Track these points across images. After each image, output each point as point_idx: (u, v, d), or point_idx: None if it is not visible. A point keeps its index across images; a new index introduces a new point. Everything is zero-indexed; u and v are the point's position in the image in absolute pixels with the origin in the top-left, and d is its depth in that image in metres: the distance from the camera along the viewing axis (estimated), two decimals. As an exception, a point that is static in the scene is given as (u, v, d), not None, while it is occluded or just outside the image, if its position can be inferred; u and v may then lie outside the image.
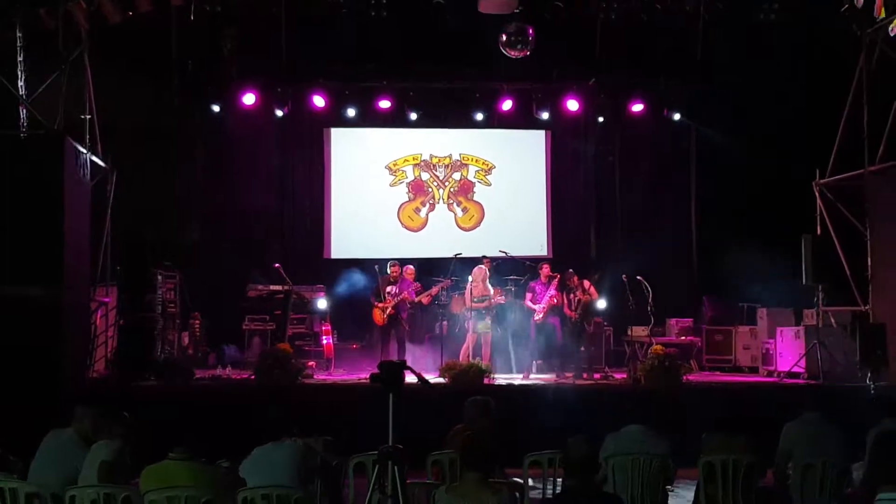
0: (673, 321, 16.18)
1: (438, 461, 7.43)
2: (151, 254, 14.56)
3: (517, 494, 6.04)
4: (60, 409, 10.87)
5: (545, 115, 17.03)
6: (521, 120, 17.45)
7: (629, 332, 15.42)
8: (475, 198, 18.05)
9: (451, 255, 15.49)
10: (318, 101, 16.61)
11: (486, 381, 12.80)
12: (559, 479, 7.45)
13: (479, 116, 17.21)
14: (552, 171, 18.17)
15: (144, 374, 12.96)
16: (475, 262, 14.87)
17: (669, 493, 7.83)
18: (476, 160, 18.09)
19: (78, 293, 12.61)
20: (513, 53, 14.57)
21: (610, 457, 7.27)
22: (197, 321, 15.80)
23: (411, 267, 14.96)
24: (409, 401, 5.98)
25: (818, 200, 15.00)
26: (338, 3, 15.02)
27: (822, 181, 14.96)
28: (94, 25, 13.24)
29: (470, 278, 14.41)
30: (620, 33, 15.79)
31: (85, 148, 13.06)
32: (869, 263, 14.22)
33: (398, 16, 15.37)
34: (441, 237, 17.60)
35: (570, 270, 14.64)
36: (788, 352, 14.39)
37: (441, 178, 18.00)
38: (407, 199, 17.92)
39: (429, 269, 15.61)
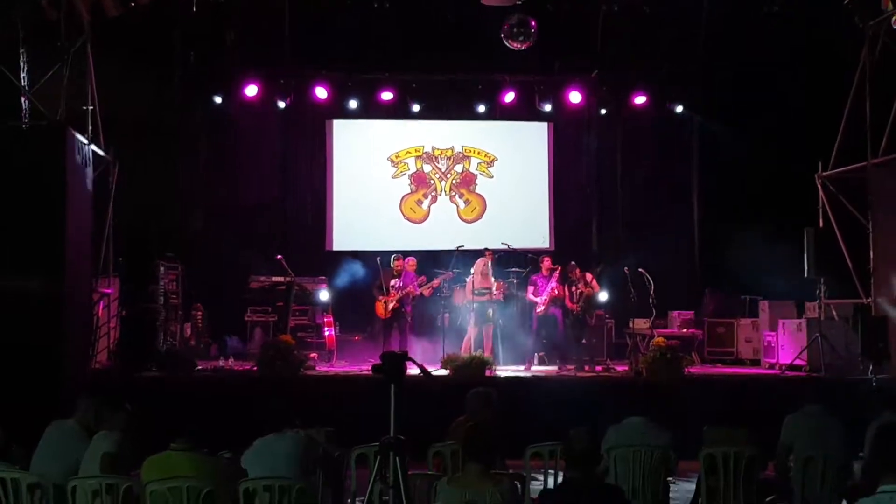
0: (675, 313, 16.16)
1: (440, 453, 7.44)
2: (154, 245, 14.57)
3: (518, 486, 6.04)
4: (62, 400, 10.91)
5: (547, 107, 17.03)
6: (524, 112, 17.44)
7: (631, 325, 15.43)
8: (477, 190, 18.04)
9: (453, 247, 15.48)
10: (321, 92, 16.60)
11: (487, 372, 12.82)
12: (560, 471, 7.46)
13: (482, 108, 17.19)
14: (554, 163, 18.15)
15: (146, 365, 12.99)
16: (477, 254, 14.89)
17: (671, 484, 7.84)
18: (478, 152, 18.08)
19: (80, 284, 12.61)
20: (515, 45, 14.55)
21: (611, 448, 7.28)
22: (199, 312, 15.81)
23: (413, 259, 14.97)
24: (410, 393, 5.97)
25: (820, 193, 15.00)
26: (340, -6, 15.05)
27: (824, 174, 14.95)
28: (95, 17, 13.23)
29: (472, 270, 14.42)
30: (623, 25, 15.80)
31: (87, 139, 13.05)
32: (871, 256, 14.21)
33: (400, 7, 15.39)
34: (443, 229, 17.59)
35: (572, 263, 14.64)
36: (790, 344, 14.38)
37: (443, 170, 17.99)
38: (409, 191, 17.91)
39: (431, 261, 15.59)
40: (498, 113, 17.46)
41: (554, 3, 15.28)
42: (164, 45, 15.34)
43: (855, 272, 14.33)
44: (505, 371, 13.67)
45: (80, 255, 12.58)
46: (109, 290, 14.13)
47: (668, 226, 17.61)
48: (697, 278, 17.60)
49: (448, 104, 17.44)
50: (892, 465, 4.32)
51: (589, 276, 14.44)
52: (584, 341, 14.64)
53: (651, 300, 14.37)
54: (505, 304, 14.94)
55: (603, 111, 17.54)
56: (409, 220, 17.85)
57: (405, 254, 15.01)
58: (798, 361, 13.82)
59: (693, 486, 7.86)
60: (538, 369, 14.52)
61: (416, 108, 17.01)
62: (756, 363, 15.47)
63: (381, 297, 14.45)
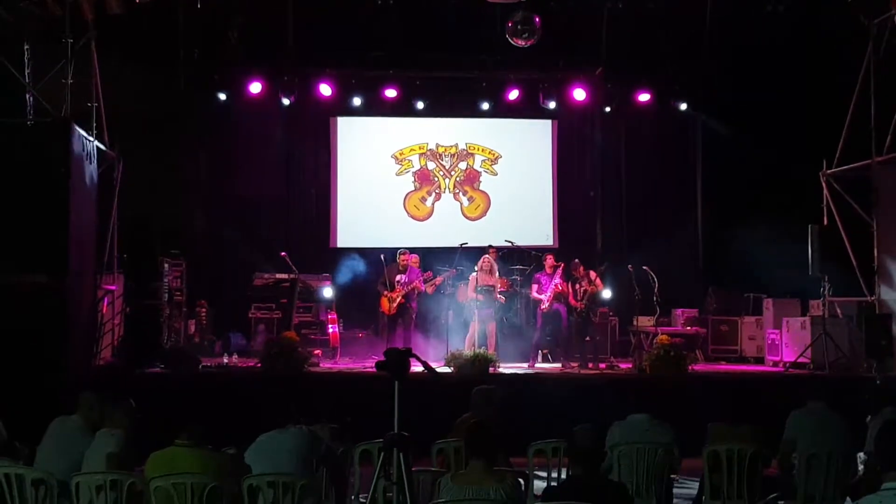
0: (678, 311, 16.16)
1: (443, 449, 7.45)
2: (158, 242, 14.57)
3: (521, 483, 6.04)
4: (66, 397, 10.93)
5: (552, 105, 17.01)
6: (528, 109, 17.43)
7: (635, 322, 15.39)
8: (481, 187, 18.04)
9: (456, 244, 15.48)
10: (325, 89, 16.60)
11: (491, 370, 12.82)
12: (564, 468, 7.47)
13: (486, 106, 17.18)
14: (558, 160, 18.15)
15: (150, 361, 13.00)
16: (481, 251, 14.87)
17: (674, 481, 7.85)
18: (482, 149, 18.08)
19: (84, 281, 12.63)
20: (519, 42, 14.53)
21: (615, 445, 7.30)
22: (203, 309, 15.83)
23: (416, 256, 14.97)
24: (414, 389, 5.99)
25: (825, 191, 14.98)
26: (344, -9, 15.06)
27: (828, 172, 14.94)
28: (100, 14, 13.23)
29: (476, 267, 14.41)
30: (627, 23, 15.77)
31: (91, 136, 13.06)
32: (875, 254, 14.20)
33: (404, 4, 15.40)
34: (447, 227, 17.59)
35: (576, 260, 14.63)
36: (794, 342, 14.36)
37: (447, 167, 17.99)
38: (413, 189, 17.91)
39: (434, 258, 15.58)
40: (502, 110, 17.43)
41: (558, 1, 15.28)
42: (169, 42, 15.31)
43: (859, 270, 14.32)
44: (508, 368, 13.66)
45: (84, 252, 12.59)
46: (113, 287, 14.13)
47: (671, 223, 17.61)
48: (701, 276, 17.58)
49: (452, 101, 17.44)
50: (895, 462, 4.32)
51: (593, 274, 14.43)
52: (587, 339, 14.63)
53: (655, 298, 14.35)
54: (508, 301, 14.93)
55: (607, 109, 17.50)
56: (412, 217, 17.85)
57: (409, 251, 15.01)
58: (802, 359, 13.81)
59: (697, 484, 7.87)
60: (542, 367, 14.53)
61: (420, 105, 17.01)
62: (760, 361, 15.46)
63: (385, 293, 14.46)
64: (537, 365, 14.53)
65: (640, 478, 7.22)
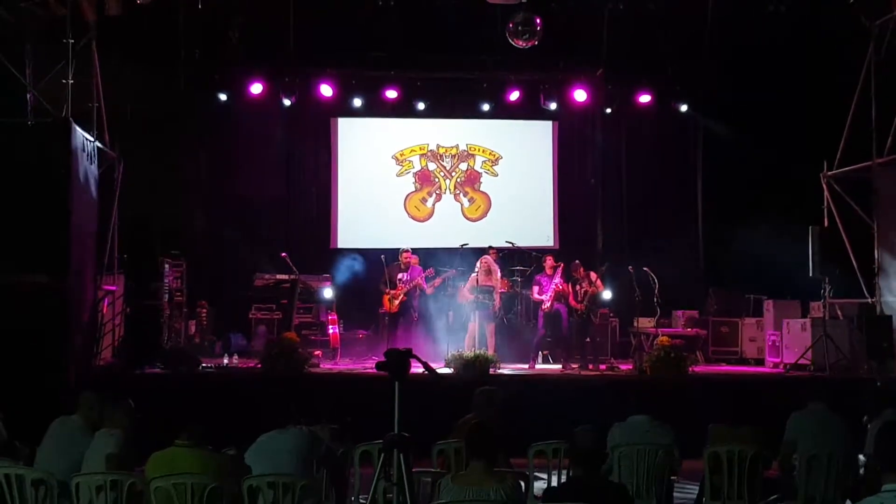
0: (679, 313, 16.15)
1: (444, 450, 7.44)
2: (158, 242, 14.58)
3: (522, 484, 6.04)
4: (66, 397, 10.93)
5: (553, 106, 17.00)
6: (529, 110, 17.43)
7: (635, 324, 15.38)
8: (482, 188, 18.04)
9: (457, 245, 15.48)
10: (326, 90, 16.59)
11: (491, 370, 12.81)
12: (564, 469, 7.46)
13: (486, 107, 17.17)
14: (559, 161, 18.16)
15: (151, 362, 12.99)
16: (481, 252, 14.89)
17: (675, 483, 7.85)
18: (483, 150, 18.08)
19: (84, 281, 12.64)
20: (520, 43, 14.52)
21: (616, 447, 7.29)
22: (203, 310, 15.83)
23: (415, 256, 14.95)
24: (415, 390, 5.98)
25: (825, 192, 14.99)
26: (345, -8, 15.05)
27: (829, 173, 14.94)
28: (100, 15, 13.22)
29: (476, 268, 14.41)
30: (628, 23, 15.75)
31: (92, 136, 13.06)
32: (876, 256, 14.19)
33: (405, 5, 15.37)
34: (447, 227, 17.60)
35: (577, 262, 14.62)
36: (794, 344, 14.35)
37: (448, 168, 17.99)
38: (413, 190, 17.91)
39: (435, 259, 15.58)
40: (503, 111, 17.43)
41: (559, 2, 15.27)
42: (169, 42, 15.29)
43: (860, 272, 14.31)
44: (509, 369, 13.66)
45: (84, 252, 12.60)
46: (114, 287, 14.12)
47: (672, 224, 17.61)
48: (702, 277, 17.58)
49: (453, 102, 17.45)
50: (894, 463, 4.31)
51: (593, 275, 14.42)
52: (588, 340, 14.62)
53: (655, 299, 14.35)
54: (508, 302, 14.92)
55: (608, 110, 17.48)
56: (413, 218, 17.85)
57: (411, 251, 15.00)
58: (802, 361, 13.79)
59: (697, 485, 7.87)
60: (542, 368, 14.52)
61: (420, 106, 17.01)
62: (760, 362, 15.44)
63: (387, 292, 14.46)
64: (538, 366, 14.52)
65: (640, 479, 7.22)
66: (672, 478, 7.66)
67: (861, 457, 7.88)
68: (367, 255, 16.13)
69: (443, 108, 17.46)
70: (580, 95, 16.91)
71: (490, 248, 15.04)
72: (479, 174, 18.05)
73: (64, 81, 12.63)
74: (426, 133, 18.00)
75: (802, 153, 15.30)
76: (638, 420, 7.51)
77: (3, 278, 11.39)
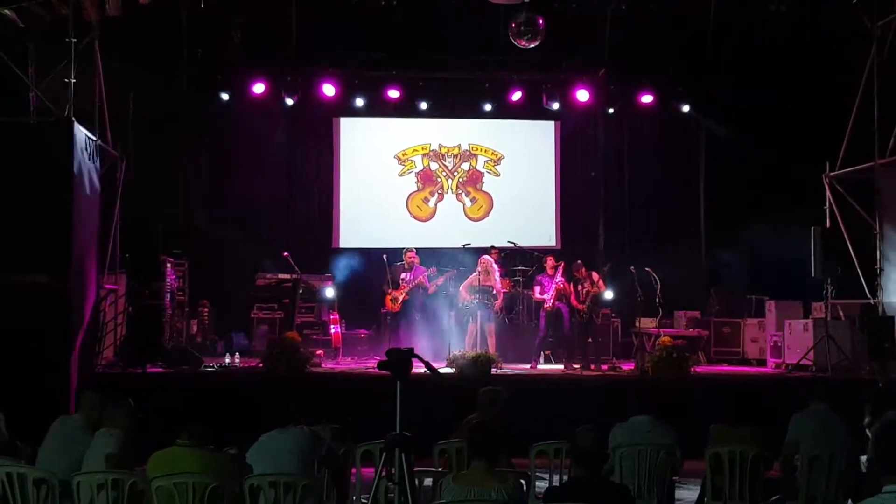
0: (681, 313, 16.15)
1: (446, 450, 7.44)
2: (160, 242, 14.57)
3: (523, 484, 6.03)
4: (68, 396, 10.95)
5: (555, 106, 17.00)
6: (531, 110, 17.44)
7: (637, 324, 15.39)
8: (484, 188, 18.05)
9: (459, 245, 15.47)
10: (328, 90, 16.59)
11: (493, 370, 12.81)
12: (565, 469, 7.45)
13: (489, 107, 17.18)
14: (561, 161, 18.16)
15: (152, 361, 12.99)
16: (483, 252, 14.87)
17: (676, 483, 7.84)
18: (485, 150, 18.08)
19: (86, 280, 12.63)
20: (522, 43, 14.51)
21: (617, 447, 7.29)
22: (205, 309, 15.85)
23: (417, 256, 14.95)
24: (416, 390, 5.98)
25: (828, 193, 14.96)
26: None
27: (831, 174, 14.92)
28: (102, 15, 13.22)
29: (478, 268, 14.41)
30: (630, 24, 15.75)
31: (94, 135, 13.06)
32: (878, 256, 14.19)
33: (407, 5, 15.39)
34: (449, 227, 17.61)
35: (579, 262, 14.60)
36: (796, 344, 14.33)
37: (450, 168, 17.99)
38: (416, 189, 17.92)
39: (437, 259, 15.59)
40: (505, 111, 17.44)
41: (561, 2, 15.27)
42: (171, 42, 15.31)
43: (862, 272, 14.29)
44: (511, 369, 13.66)
45: (86, 252, 12.59)
46: (115, 287, 14.13)
47: (674, 224, 17.62)
48: (704, 278, 17.58)
49: (455, 102, 17.47)
50: (895, 464, 4.30)
51: (595, 276, 14.42)
52: (590, 340, 14.62)
53: (657, 299, 14.35)
54: (510, 302, 14.91)
55: (610, 110, 17.49)
56: (415, 217, 17.86)
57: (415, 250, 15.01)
58: (804, 361, 13.78)
59: (699, 485, 7.86)
60: (544, 368, 14.51)
61: (423, 105, 17.01)
62: (762, 363, 15.43)
63: (391, 291, 14.46)
64: (539, 366, 14.51)
65: (641, 479, 7.21)
66: (673, 478, 7.65)
67: (863, 458, 7.87)
68: (369, 254, 16.13)
69: (445, 107, 17.47)
70: (582, 95, 16.91)
71: (492, 248, 15.03)
72: (482, 174, 18.05)
73: (66, 81, 12.61)
74: (428, 133, 18.01)
75: (804, 153, 15.29)
76: (639, 420, 7.50)
77: (4, 278, 11.37)
